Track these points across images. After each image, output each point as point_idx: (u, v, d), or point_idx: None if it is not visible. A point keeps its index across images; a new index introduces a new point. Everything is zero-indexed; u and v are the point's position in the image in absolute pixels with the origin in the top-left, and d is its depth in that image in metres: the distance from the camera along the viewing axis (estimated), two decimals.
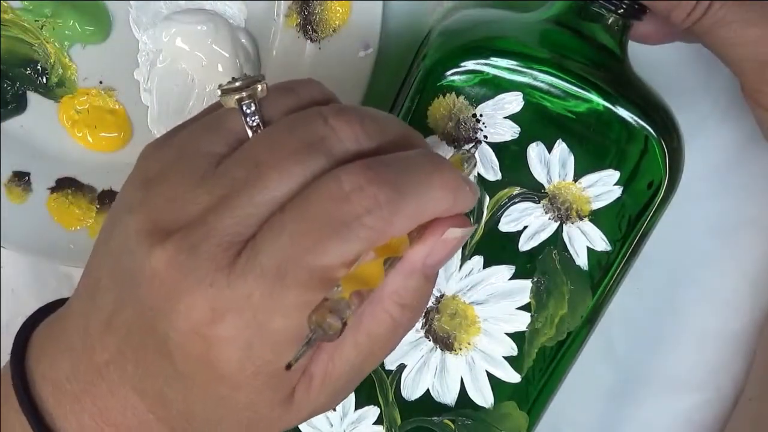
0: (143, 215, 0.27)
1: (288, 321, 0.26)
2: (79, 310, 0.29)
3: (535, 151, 0.35)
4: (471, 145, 0.35)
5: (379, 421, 0.39)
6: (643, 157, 0.35)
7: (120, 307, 0.28)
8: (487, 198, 0.36)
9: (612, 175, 0.35)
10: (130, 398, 0.28)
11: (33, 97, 0.43)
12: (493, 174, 0.36)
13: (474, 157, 0.33)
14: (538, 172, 0.35)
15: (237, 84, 0.28)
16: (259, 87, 0.28)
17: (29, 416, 0.29)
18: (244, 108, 0.28)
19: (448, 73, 0.35)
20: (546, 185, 0.36)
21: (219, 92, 0.29)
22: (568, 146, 0.35)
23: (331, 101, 0.30)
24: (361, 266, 0.26)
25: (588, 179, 0.35)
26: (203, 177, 0.27)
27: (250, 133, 0.28)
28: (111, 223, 0.29)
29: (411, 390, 0.38)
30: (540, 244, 0.36)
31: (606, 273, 0.37)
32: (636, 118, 0.34)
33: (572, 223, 0.36)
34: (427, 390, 0.38)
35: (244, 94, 0.28)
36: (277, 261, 0.26)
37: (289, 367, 0.25)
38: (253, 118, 0.28)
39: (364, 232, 0.26)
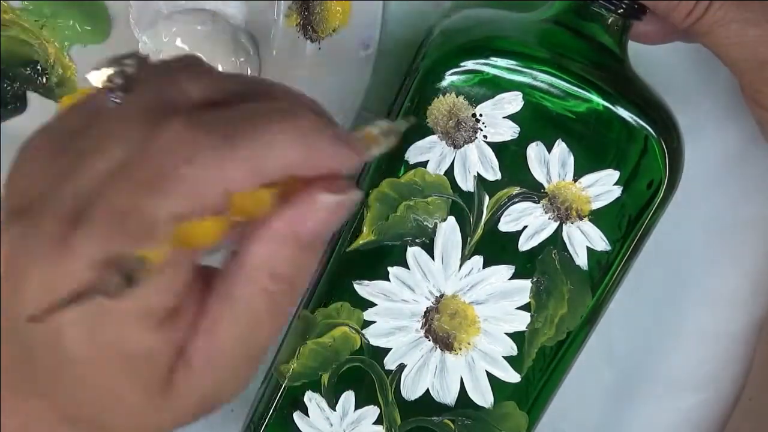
0: (5, 196, 0.25)
1: None
2: None
3: (534, 151, 0.35)
4: (395, 123, 0.29)
5: (379, 421, 0.39)
6: (643, 156, 0.35)
7: None
8: (487, 198, 0.36)
9: (612, 174, 0.35)
10: (37, 408, 0.26)
11: (33, 97, 0.43)
12: (492, 174, 0.36)
13: (398, 132, 0.29)
14: (537, 171, 0.35)
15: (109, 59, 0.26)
16: (129, 62, 0.26)
17: None
18: (110, 82, 0.26)
19: (448, 72, 0.35)
20: (546, 185, 0.36)
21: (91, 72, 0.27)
22: (567, 146, 0.35)
23: (205, 72, 0.27)
24: (191, 225, 0.24)
25: (588, 179, 0.35)
26: (57, 152, 0.25)
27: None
28: None
29: (411, 390, 0.38)
30: (540, 243, 0.36)
31: (606, 273, 0.37)
32: (636, 118, 0.34)
33: (572, 223, 0.36)
34: (427, 390, 0.38)
35: (113, 69, 0.26)
36: (104, 224, 0.23)
37: (33, 319, 0.23)
38: (117, 94, 0.26)
39: (185, 184, 0.23)
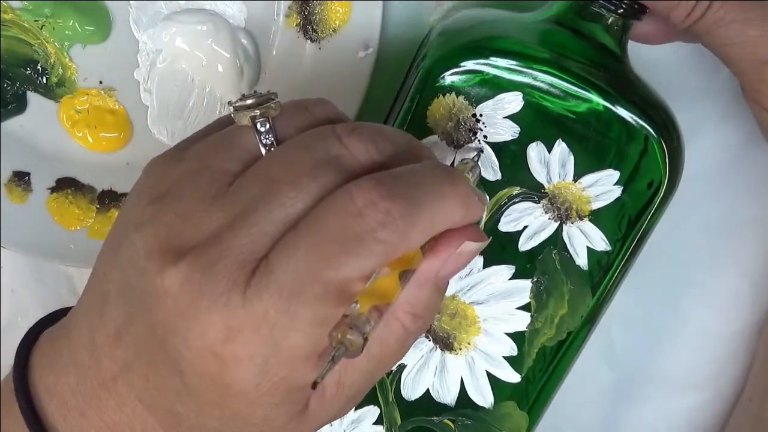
0: (153, 232, 0.27)
1: (304, 337, 0.26)
2: (85, 323, 0.29)
3: (534, 151, 0.35)
4: (474, 154, 0.35)
5: (379, 421, 0.39)
6: (643, 157, 0.35)
7: (129, 322, 0.27)
8: (487, 198, 0.36)
9: (612, 175, 0.35)
10: (138, 412, 0.28)
11: (33, 97, 0.43)
12: (492, 174, 0.36)
13: (477, 165, 0.33)
14: (537, 172, 0.35)
15: (249, 102, 0.28)
16: (273, 105, 0.28)
17: (34, 431, 0.29)
18: (258, 126, 0.28)
19: (448, 73, 0.35)
20: (546, 185, 0.36)
21: (231, 109, 0.29)
22: (567, 146, 0.35)
23: (342, 120, 0.30)
24: (377, 280, 0.26)
25: (588, 179, 0.35)
26: (217, 194, 0.27)
27: (263, 151, 0.28)
28: (118, 237, 0.28)
29: (411, 390, 0.38)
30: (540, 244, 0.36)
31: (606, 273, 0.37)
32: (636, 118, 0.34)
33: (572, 223, 0.36)
34: (427, 390, 0.38)
35: (257, 112, 0.28)
36: (292, 277, 0.25)
37: (314, 386, 0.25)
38: (267, 137, 0.28)
39: (378, 246, 0.26)
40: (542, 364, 0.38)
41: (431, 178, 0.28)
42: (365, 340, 0.25)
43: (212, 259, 0.26)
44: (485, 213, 0.36)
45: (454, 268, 0.29)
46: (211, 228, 0.26)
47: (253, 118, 0.28)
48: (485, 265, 0.37)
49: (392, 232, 0.26)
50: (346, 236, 0.26)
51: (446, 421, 0.39)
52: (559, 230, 0.36)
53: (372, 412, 0.39)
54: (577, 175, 0.35)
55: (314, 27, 0.41)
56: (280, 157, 0.28)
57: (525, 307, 0.37)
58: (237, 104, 0.28)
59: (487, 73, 0.34)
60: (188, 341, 0.26)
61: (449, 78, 0.35)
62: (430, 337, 0.38)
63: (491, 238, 0.30)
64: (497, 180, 0.36)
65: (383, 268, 0.27)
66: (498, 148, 0.35)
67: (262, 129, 0.28)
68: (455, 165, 0.34)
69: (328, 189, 0.27)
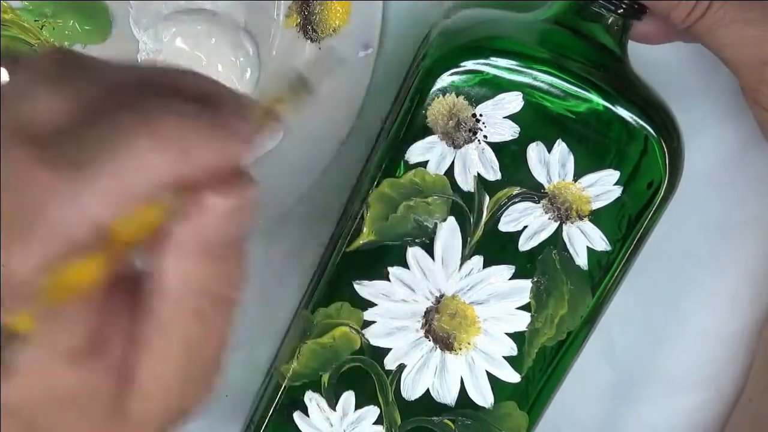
0: None
1: None
2: None
3: (534, 151, 0.35)
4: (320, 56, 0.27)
5: (379, 421, 0.39)
6: (643, 156, 0.35)
7: None
8: (487, 198, 0.36)
9: (612, 174, 0.35)
10: None
11: None
12: (492, 174, 0.36)
13: (306, 84, 0.25)
14: (537, 171, 0.35)
15: None
16: None
17: None
18: None
19: (448, 72, 0.35)
20: (546, 185, 0.36)
21: None
22: (567, 146, 0.35)
23: None
24: (65, 273, 0.22)
25: (588, 179, 0.35)
26: None
27: None
28: None
29: (411, 390, 0.38)
30: (540, 244, 0.36)
31: (606, 273, 0.37)
32: (636, 118, 0.34)
33: (572, 223, 0.36)
34: (427, 390, 0.38)
35: None
36: None
37: None
38: None
39: (41, 230, 0.21)
40: (542, 364, 0.38)
41: (119, 126, 0.22)
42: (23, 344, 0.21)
43: None
44: (485, 213, 0.36)
45: (211, 231, 0.23)
46: None
47: None
48: (485, 265, 0.37)
49: (53, 207, 0.21)
50: (8, 222, 0.21)
51: (446, 421, 0.39)
52: (559, 230, 0.36)
53: (372, 412, 0.39)
54: (577, 175, 0.35)
55: (314, 27, 0.41)
56: None
57: (525, 307, 0.37)
58: None
59: (487, 73, 0.34)
60: None
61: (449, 78, 0.35)
62: (430, 337, 0.38)
63: (254, 183, 0.24)
64: (497, 180, 0.36)
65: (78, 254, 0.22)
66: (498, 148, 0.35)
67: None
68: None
69: None
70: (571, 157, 0.35)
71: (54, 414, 0.24)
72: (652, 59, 0.38)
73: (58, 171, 0.21)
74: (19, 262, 0.21)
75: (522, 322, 0.37)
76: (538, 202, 0.36)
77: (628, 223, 0.36)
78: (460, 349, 0.38)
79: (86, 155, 0.21)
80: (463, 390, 0.38)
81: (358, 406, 0.39)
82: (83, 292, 0.22)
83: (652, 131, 0.35)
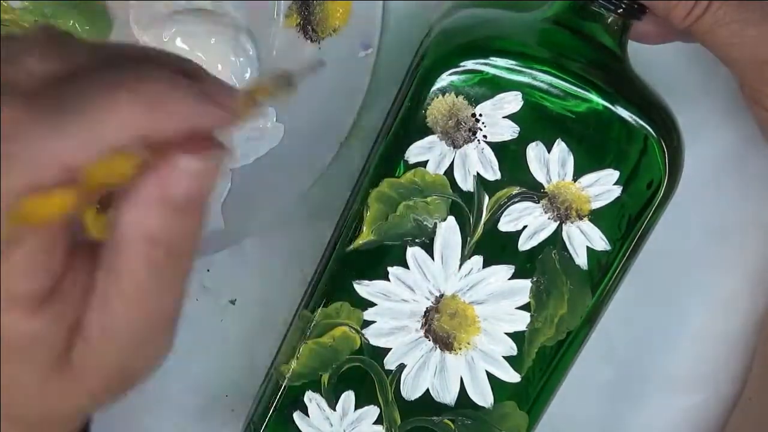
0: None
1: None
2: None
3: (534, 151, 0.35)
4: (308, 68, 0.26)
5: (378, 421, 0.39)
6: (643, 156, 0.35)
7: None
8: (487, 198, 0.36)
9: (611, 174, 0.35)
10: None
11: None
12: (492, 174, 0.36)
13: (292, 80, 0.26)
14: (537, 171, 0.35)
15: None
16: None
17: None
18: None
19: (448, 72, 0.35)
20: (545, 185, 0.36)
21: None
22: (567, 146, 0.35)
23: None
24: (34, 201, 0.23)
25: (587, 179, 0.35)
26: None
27: None
28: None
29: (411, 390, 0.38)
30: (539, 243, 0.36)
31: (606, 273, 0.37)
32: (636, 118, 0.34)
33: (572, 223, 0.36)
34: (427, 390, 0.38)
35: None
36: None
37: None
38: None
39: (13, 162, 0.22)
40: (542, 364, 0.38)
41: (100, 79, 0.24)
42: None
43: None
44: (484, 213, 0.36)
45: (181, 188, 0.24)
46: None
47: None
48: (485, 265, 0.37)
49: (25, 144, 0.23)
50: None
51: (446, 421, 0.39)
52: (558, 230, 0.36)
53: (372, 412, 0.39)
54: (577, 175, 0.35)
55: (314, 27, 0.41)
56: None
57: (525, 307, 0.37)
58: None
59: (487, 73, 0.34)
60: None
61: (449, 78, 0.35)
62: (430, 337, 0.38)
63: (226, 149, 0.25)
64: (497, 180, 0.36)
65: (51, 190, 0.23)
66: (497, 147, 0.35)
67: None
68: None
69: None
70: (571, 157, 0.35)
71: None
72: (652, 59, 0.38)
73: (39, 114, 0.23)
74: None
75: (522, 321, 0.37)
76: (538, 202, 0.36)
77: (628, 223, 0.36)
78: (460, 348, 0.38)
79: (67, 104, 0.23)
80: (463, 390, 0.38)
81: (358, 406, 0.39)
82: (44, 223, 0.24)
83: (651, 131, 0.35)
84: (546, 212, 0.36)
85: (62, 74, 0.24)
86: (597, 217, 0.36)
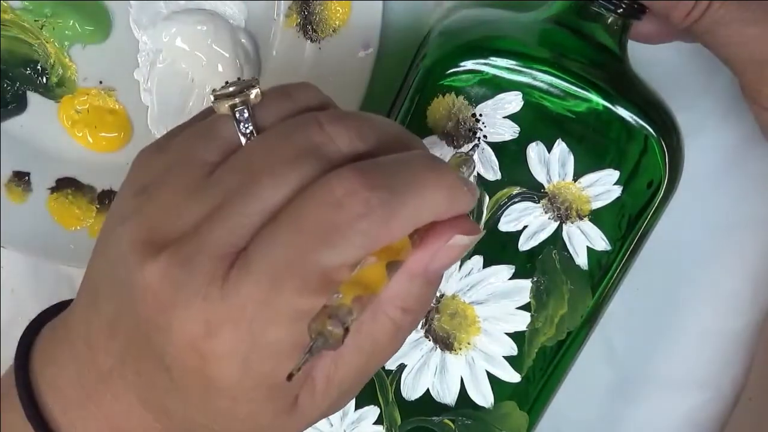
0: (136, 225, 0.27)
1: (284, 331, 0.25)
2: (82, 316, 0.29)
3: (534, 151, 0.35)
4: (470, 147, 0.34)
5: (379, 421, 0.39)
6: (643, 156, 0.35)
7: (119, 316, 0.27)
8: (487, 198, 0.36)
9: (612, 174, 0.35)
10: (134, 406, 0.28)
11: (33, 97, 0.43)
12: (492, 174, 0.36)
13: (472, 159, 0.33)
14: (537, 171, 0.35)
15: (230, 89, 0.27)
16: (253, 93, 0.28)
17: (35, 424, 0.28)
18: (237, 115, 0.27)
19: (448, 72, 0.35)
20: (546, 185, 0.36)
21: (212, 98, 0.28)
22: (567, 146, 0.35)
23: (327, 106, 0.30)
24: (361, 271, 0.26)
25: (588, 179, 0.35)
26: (196, 186, 0.26)
27: (243, 140, 0.27)
28: (106, 231, 0.28)
29: (411, 390, 0.38)
30: (540, 243, 0.36)
31: (606, 272, 0.37)
32: (636, 118, 0.34)
33: (572, 223, 0.36)
34: (427, 390, 0.38)
35: (236, 100, 0.27)
36: (270, 270, 0.25)
37: (290, 377, 0.24)
38: (246, 125, 0.27)
39: (358, 237, 0.25)
40: (542, 364, 0.38)
41: (414, 167, 0.27)
42: (346, 331, 0.24)
43: (190, 253, 0.25)
44: (485, 213, 0.36)
45: (445, 262, 0.28)
46: (189, 220, 0.26)
47: (233, 107, 0.27)
48: (485, 265, 0.37)
49: (372, 223, 0.25)
50: (325, 227, 0.25)
51: (446, 421, 0.39)
52: (558, 230, 0.36)
53: (372, 412, 0.39)
54: (577, 175, 0.35)
55: (314, 27, 0.41)
56: (259, 147, 0.27)
57: (525, 307, 0.37)
58: (218, 92, 0.28)
59: (487, 73, 0.34)
60: (170, 336, 0.26)
61: (449, 78, 0.35)
62: (430, 337, 0.38)
63: (485, 231, 0.29)
64: (497, 180, 0.36)
65: (369, 259, 0.26)
66: (498, 147, 0.35)
67: (241, 117, 0.27)
68: (451, 156, 0.33)
69: (308, 179, 0.26)
70: (571, 157, 0.35)
71: (252, 397, 0.27)
72: (652, 59, 0.38)
73: (377, 192, 0.25)
74: (331, 257, 0.25)
75: (522, 321, 0.37)
76: (538, 202, 0.36)
77: (628, 223, 0.36)
78: (460, 348, 0.38)
79: (395, 186, 0.26)
80: (463, 390, 0.38)
81: (358, 406, 0.39)
82: (370, 293, 0.26)
83: (651, 131, 0.35)
84: (546, 212, 0.36)
85: (359, 153, 0.27)
86: (597, 217, 0.36)
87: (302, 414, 0.28)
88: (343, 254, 0.25)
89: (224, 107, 0.28)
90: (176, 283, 0.25)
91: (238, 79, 0.30)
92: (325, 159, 0.26)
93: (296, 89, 0.29)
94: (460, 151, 0.34)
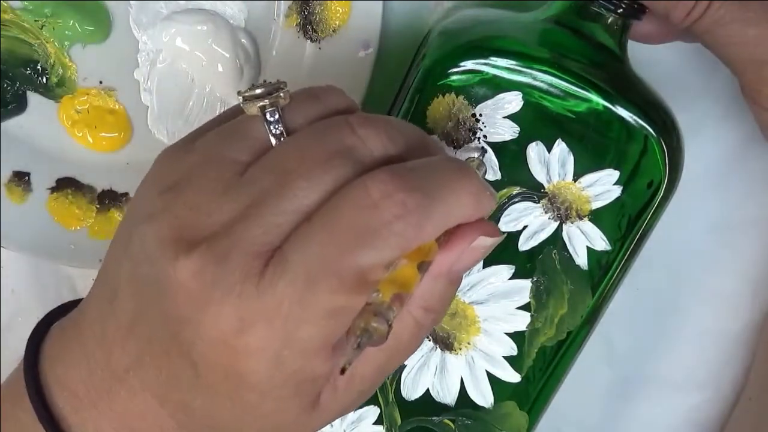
0: (165, 223, 0.27)
1: (316, 329, 0.26)
2: (96, 315, 0.29)
3: (534, 151, 0.35)
4: (478, 154, 0.35)
5: (379, 421, 0.39)
6: (643, 156, 0.35)
7: (141, 314, 0.27)
8: (496, 193, 0.36)
9: (612, 174, 0.35)
10: (150, 404, 0.28)
11: (33, 97, 0.43)
12: (492, 174, 0.36)
13: (483, 164, 0.34)
14: (537, 171, 0.35)
15: (258, 91, 0.28)
16: (282, 94, 0.28)
17: (46, 424, 0.28)
18: (268, 116, 0.28)
19: (448, 72, 0.35)
20: (545, 185, 0.36)
21: (240, 99, 0.28)
22: (567, 146, 0.35)
23: (354, 109, 0.30)
24: (397, 270, 0.27)
25: (588, 179, 0.35)
26: (228, 185, 0.27)
27: (273, 141, 0.28)
28: (127, 229, 0.28)
29: (411, 390, 0.38)
30: (540, 243, 0.36)
31: (606, 273, 0.37)
32: (635, 118, 0.34)
33: (572, 223, 0.36)
34: (427, 390, 0.38)
35: (266, 101, 0.28)
36: (306, 268, 0.25)
37: (343, 371, 0.25)
38: (276, 126, 0.28)
39: (393, 238, 0.26)
40: (542, 364, 0.38)
41: (446, 172, 0.28)
42: (390, 327, 0.25)
43: (225, 250, 0.26)
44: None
45: (468, 263, 0.29)
46: (222, 219, 0.26)
47: (263, 108, 0.28)
48: (485, 265, 0.37)
49: (408, 225, 0.26)
50: (361, 228, 0.26)
51: (446, 421, 0.39)
52: (558, 230, 0.36)
53: (372, 412, 0.39)
54: (577, 175, 0.35)
55: (314, 27, 0.41)
56: (293, 148, 0.27)
57: (525, 307, 0.37)
58: (246, 94, 0.28)
59: (487, 73, 0.34)
60: (201, 332, 0.26)
61: (449, 78, 0.35)
62: (430, 337, 0.38)
63: (505, 234, 0.30)
64: (497, 180, 0.36)
65: (401, 259, 0.27)
66: (498, 147, 0.35)
67: (272, 119, 0.28)
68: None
69: (341, 180, 0.26)
70: (571, 157, 0.35)
71: (281, 394, 0.27)
72: (652, 59, 0.38)
73: (413, 195, 0.26)
74: (368, 257, 0.26)
75: (522, 321, 0.37)
76: (538, 202, 0.36)
77: (628, 223, 0.36)
78: (460, 348, 0.38)
79: (428, 188, 0.27)
80: (463, 390, 0.38)
81: (358, 407, 0.39)
82: (404, 291, 0.27)
83: (651, 131, 0.35)
84: (546, 212, 0.36)
85: (394, 158, 0.28)
86: (597, 217, 0.36)
87: (323, 411, 0.29)
88: (380, 254, 0.26)
89: (254, 108, 0.28)
90: (210, 280, 0.26)
91: (264, 81, 0.31)
92: (358, 161, 0.27)
93: (324, 92, 0.30)
94: (471, 156, 0.34)
